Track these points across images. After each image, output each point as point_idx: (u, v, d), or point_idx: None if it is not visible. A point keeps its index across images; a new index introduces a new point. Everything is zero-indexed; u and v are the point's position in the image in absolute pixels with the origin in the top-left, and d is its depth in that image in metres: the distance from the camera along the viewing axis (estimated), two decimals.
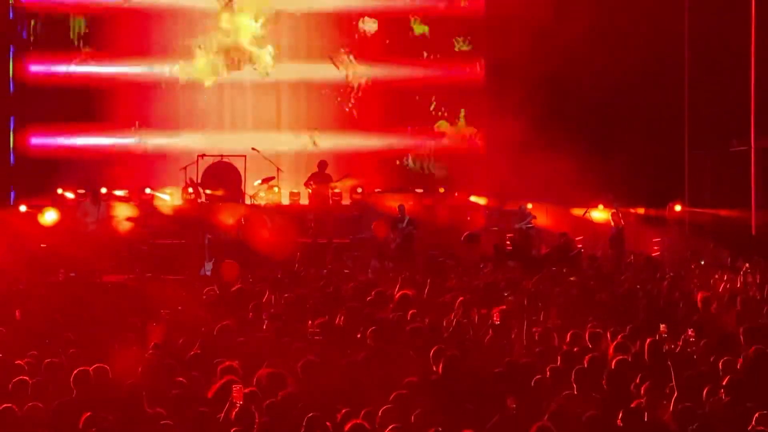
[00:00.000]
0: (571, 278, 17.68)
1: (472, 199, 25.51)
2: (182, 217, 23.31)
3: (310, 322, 13.01)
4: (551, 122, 24.06)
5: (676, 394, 9.52)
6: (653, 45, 24.51)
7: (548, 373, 10.40)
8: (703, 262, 20.46)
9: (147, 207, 23.68)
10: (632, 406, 9.37)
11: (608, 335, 12.29)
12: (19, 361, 11.02)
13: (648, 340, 11.47)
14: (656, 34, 24.45)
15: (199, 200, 24.13)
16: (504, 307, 13.36)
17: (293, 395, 9.63)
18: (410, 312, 13.49)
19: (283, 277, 17.37)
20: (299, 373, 10.42)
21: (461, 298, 14.15)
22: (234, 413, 9.02)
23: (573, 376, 10.18)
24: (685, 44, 25.32)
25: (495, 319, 12.68)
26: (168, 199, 24.03)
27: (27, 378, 10.29)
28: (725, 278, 17.54)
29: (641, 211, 24.65)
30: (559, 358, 10.96)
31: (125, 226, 22.53)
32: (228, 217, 22.98)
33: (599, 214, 24.28)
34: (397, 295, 14.49)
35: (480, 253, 21.75)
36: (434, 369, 10.55)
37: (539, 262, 20.92)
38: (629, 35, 24.26)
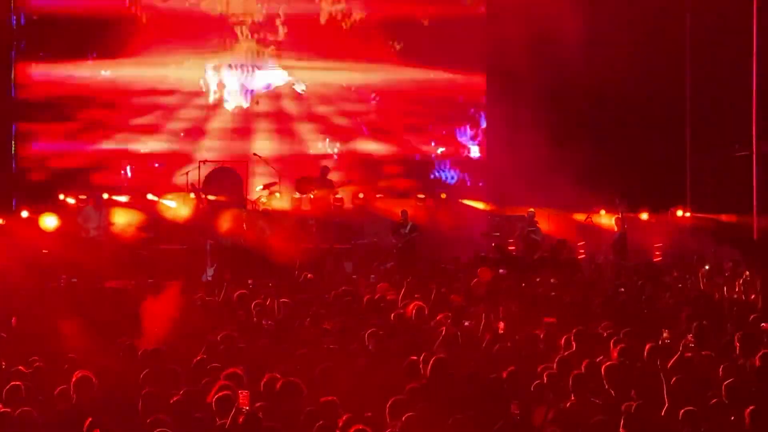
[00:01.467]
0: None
1: (470, 203, 25.52)
2: (184, 223, 23.29)
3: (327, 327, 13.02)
4: (552, 127, 24.06)
5: (667, 405, 9.54)
6: (655, 51, 24.49)
7: (545, 379, 10.37)
8: (707, 267, 20.45)
9: (149, 213, 23.66)
10: (633, 411, 9.34)
11: (606, 340, 12.26)
12: (20, 367, 11.00)
13: (647, 346, 11.46)
14: (658, 40, 24.45)
15: (200, 206, 24.10)
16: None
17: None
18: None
19: (283, 284, 17.36)
20: (314, 379, 10.42)
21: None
22: (241, 419, 9.01)
23: (571, 382, 10.17)
24: (687, 49, 25.33)
25: (500, 328, 12.71)
26: (174, 205, 23.98)
27: (28, 384, 10.27)
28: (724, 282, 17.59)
29: (645, 216, 24.65)
30: (556, 363, 10.92)
31: (127, 232, 22.52)
32: (230, 223, 23.01)
33: (602, 219, 24.30)
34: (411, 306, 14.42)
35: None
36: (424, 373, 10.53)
37: (531, 268, 20.94)
38: (631, 40, 24.22)
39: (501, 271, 20.68)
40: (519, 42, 23.89)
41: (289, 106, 26.29)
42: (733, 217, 24.34)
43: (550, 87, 24.45)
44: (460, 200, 25.63)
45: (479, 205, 25.59)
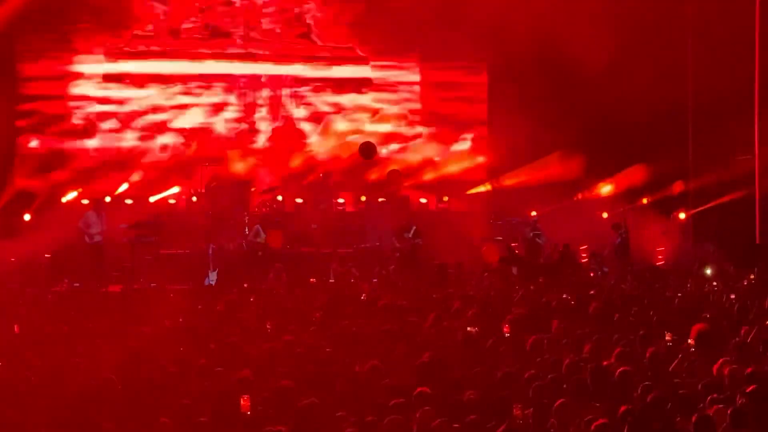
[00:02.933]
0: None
1: (475, 191, 25.59)
2: (186, 227, 23.30)
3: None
4: (553, 132, 24.08)
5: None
6: (658, 53, 24.47)
7: (550, 382, 10.35)
8: (709, 271, 20.46)
9: (151, 217, 23.64)
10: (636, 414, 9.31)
11: (609, 344, 12.24)
12: (23, 370, 11.01)
13: (649, 350, 11.44)
14: (660, 43, 24.44)
15: (202, 209, 24.14)
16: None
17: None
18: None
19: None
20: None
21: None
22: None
23: (573, 386, 10.16)
24: (689, 51, 25.32)
25: (505, 330, 12.70)
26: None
27: (31, 387, 10.28)
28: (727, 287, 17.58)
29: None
30: (564, 367, 10.90)
31: (131, 235, 22.55)
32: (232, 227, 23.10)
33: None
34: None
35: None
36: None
37: (539, 272, 20.96)
38: (633, 43, 24.17)
39: (514, 270, 20.85)
40: (521, 41, 23.88)
41: (296, 113, 26.27)
42: (736, 221, 24.29)
43: (551, 94, 24.40)
44: (465, 192, 25.64)
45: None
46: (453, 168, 26.05)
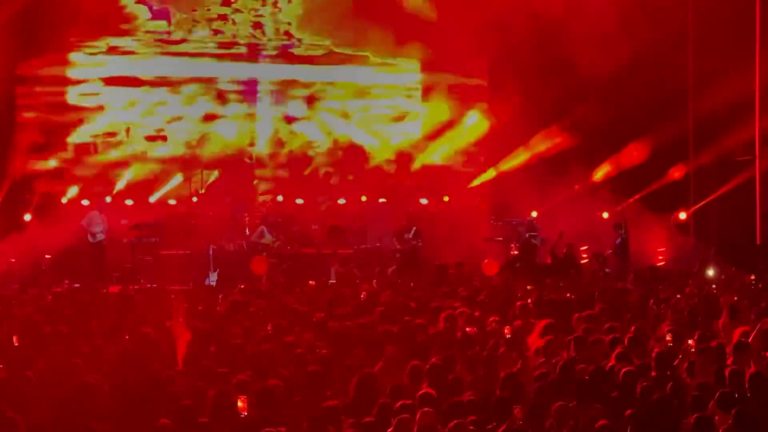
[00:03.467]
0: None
1: (476, 182, 25.63)
2: (187, 227, 23.31)
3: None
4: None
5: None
6: (658, 52, 24.46)
7: (550, 383, 10.34)
8: (711, 272, 20.47)
9: (152, 217, 23.64)
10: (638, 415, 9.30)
11: (609, 345, 12.23)
12: (23, 371, 10.99)
13: (655, 351, 11.42)
14: (661, 42, 24.43)
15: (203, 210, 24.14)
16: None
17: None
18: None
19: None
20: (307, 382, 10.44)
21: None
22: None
23: (573, 387, 10.15)
24: (690, 51, 25.30)
25: (506, 332, 12.69)
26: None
27: (31, 387, 10.27)
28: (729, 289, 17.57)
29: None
30: (558, 368, 10.89)
31: (131, 236, 22.57)
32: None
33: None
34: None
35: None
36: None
37: (542, 272, 20.97)
38: (634, 42, 24.14)
39: (518, 264, 20.90)
40: (522, 40, 23.88)
41: (296, 112, 26.24)
42: (736, 222, 24.26)
43: (551, 86, 24.42)
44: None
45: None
46: (454, 161, 26.16)
